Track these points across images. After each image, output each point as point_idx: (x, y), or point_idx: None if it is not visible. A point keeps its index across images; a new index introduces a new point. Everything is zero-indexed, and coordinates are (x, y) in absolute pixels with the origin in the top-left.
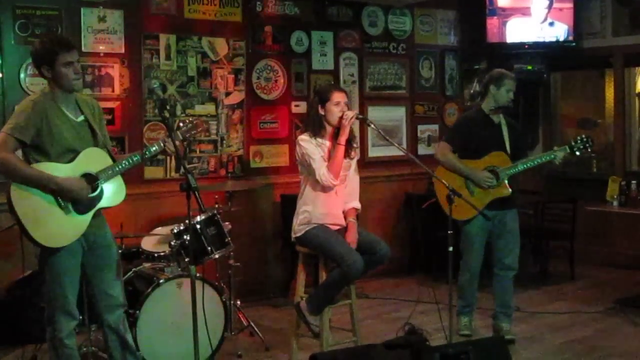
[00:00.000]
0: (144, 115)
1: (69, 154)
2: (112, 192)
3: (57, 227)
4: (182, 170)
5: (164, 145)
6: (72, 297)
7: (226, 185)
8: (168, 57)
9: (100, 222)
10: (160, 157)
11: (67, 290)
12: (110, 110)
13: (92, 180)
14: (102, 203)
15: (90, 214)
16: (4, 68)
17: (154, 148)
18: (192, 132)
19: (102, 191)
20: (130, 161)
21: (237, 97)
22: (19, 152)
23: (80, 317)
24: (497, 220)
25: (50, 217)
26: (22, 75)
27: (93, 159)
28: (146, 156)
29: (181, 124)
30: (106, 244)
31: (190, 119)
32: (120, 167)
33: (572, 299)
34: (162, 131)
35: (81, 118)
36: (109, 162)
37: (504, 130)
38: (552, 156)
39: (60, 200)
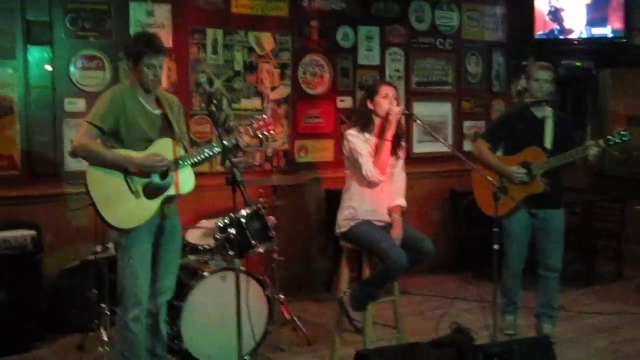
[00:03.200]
0: (191, 108)
1: (144, 143)
2: (181, 182)
3: (126, 210)
4: (228, 164)
5: (236, 142)
6: (143, 281)
7: (271, 179)
8: (215, 52)
9: (172, 210)
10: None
11: (137, 274)
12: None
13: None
14: (171, 191)
15: (159, 200)
16: (54, 62)
17: (216, 148)
18: (264, 130)
19: (172, 179)
20: (197, 157)
21: (282, 91)
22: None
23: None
24: (540, 219)
25: (121, 200)
26: (72, 69)
27: (166, 148)
28: (212, 152)
29: (253, 122)
30: (173, 232)
31: (263, 117)
32: (192, 160)
33: (619, 300)
34: (208, 125)
35: (159, 112)
36: (182, 153)
37: (547, 126)
38: (586, 152)
39: (131, 184)
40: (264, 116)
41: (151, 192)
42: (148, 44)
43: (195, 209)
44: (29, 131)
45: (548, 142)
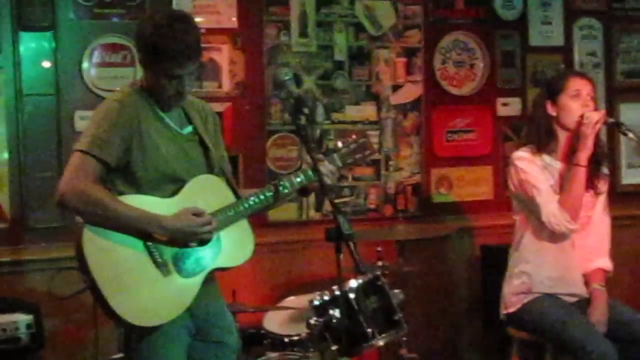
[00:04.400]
0: (268, 123)
1: (170, 185)
2: (233, 245)
3: (150, 295)
4: (326, 207)
5: (314, 176)
6: None
7: (396, 231)
8: (304, 33)
9: (213, 290)
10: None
11: None
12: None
13: None
14: (220, 261)
15: (201, 276)
16: (57, 53)
17: (298, 179)
18: (358, 156)
19: (219, 243)
20: (261, 199)
21: (410, 92)
22: None
23: None
24: None
25: (141, 281)
26: (84, 66)
27: (206, 192)
28: (283, 193)
29: (340, 144)
30: (224, 328)
31: (356, 136)
32: (245, 206)
33: None
34: (295, 147)
35: (188, 129)
36: (230, 197)
37: None
38: None
39: (156, 255)
40: (355, 136)
41: (188, 266)
42: (168, 44)
43: (277, 279)
44: (21, 162)
45: None
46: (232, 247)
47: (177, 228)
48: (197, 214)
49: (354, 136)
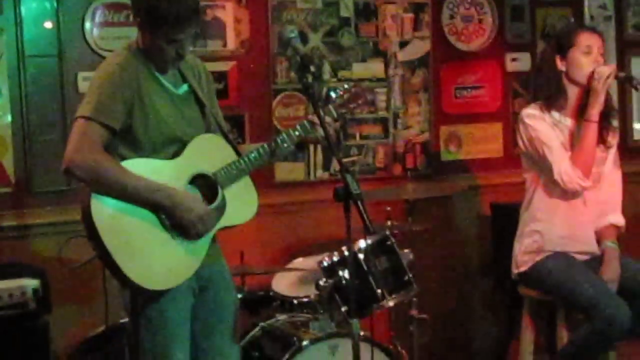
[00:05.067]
0: (274, 82)
1: (171, 146)
2: (237, 203)
3: (161, 259)
4: (334, 167)
5: (310, 128)
6: None
7: (405, 190)
8: None
9: (215, 251)
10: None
11: (174, 353)
12: (221, 76)
13: (207, 184)
14: (225, 220)
15: (208, 238)
16: (61, 15)
17: (296, 132)
18: (351, 106)
19: (224, 201)
20: (261, 153)
21: (418, 48)
22: None
23: None
24: None
25: (151, 246)
26: (87, 26)
27: (207, 151)
28: (283, 147)
29: (332, 94)
30: (223, 286)
31: (347, 86)
32: (246, 162)
33: None
34: (302, 106)
35: (184, 88)
36: (231, 154)
37: None
38: None
39: (165, 219)
40: (346, 85)
41: (190, 234)
42: (169, 8)
43: (284, 240)
44: (24, 125)
45: None
46: (236, 204)
47: (185, 204)
48: (203, 210)
49: (345, 86)
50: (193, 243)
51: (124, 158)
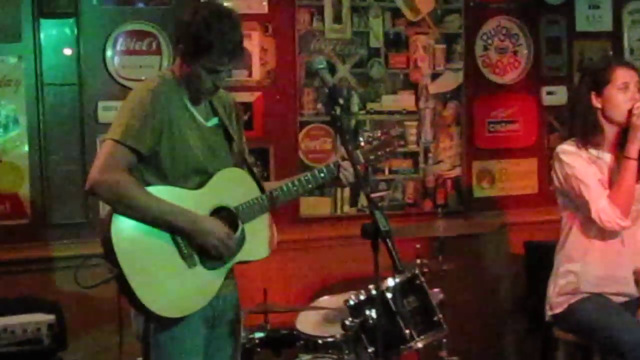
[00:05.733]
0: (300, 113)
1: (196, 177)
2: (256, 238)
3: (177, 286)
4: (362, 202)
5: (337, 170)
6: None
7: (435, 227)
8: (337, 19)
9: (232, 283)
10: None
11: None
12: (246, 107)
13: (228, 217)
14: (243, 254)
15: (225, 269)
16: (81, 43)
17: (321, 174)
18: (380, 153)
19: (243, 236)
20: (284, 192)
21: (450, 81)
22: None
23: None
24: None
25: (168, 273)
26: (108, 54)
27: (231, 185)
28: (306, 187)
29: (361, 140)
30: (233, 317)
31: (379, 132)
32: (268, 200)
33: None
34: (329, 139)
35: (214, 121)
36: (254, 190)
37: None
38: None
39: (183, 246)
40: (378, 132)
41: (212, 257)
42: (216, 40)
43: (309, 278)
44: (42, 155)
45: None
46: (254, 241)
47: (207, 229)
48: (226, 233)
49: (378, 132)
50: (209, 273)
51: (148, 185)
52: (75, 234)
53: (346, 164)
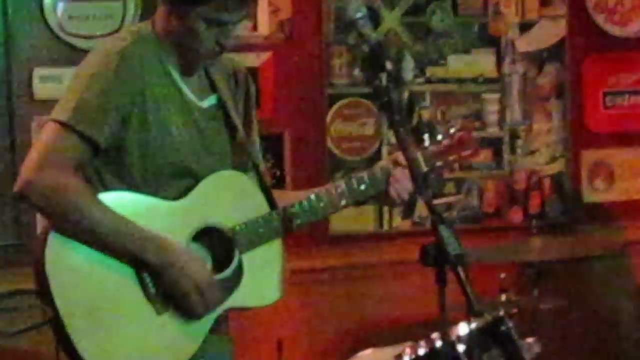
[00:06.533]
0: (329, 83)
1: (177, 181)
2: (260, 275)
3: (135, 338)
4: (420, 213)
5: (387, 183)
6: None
7: (528, 248)
8: None
9: (221, 338)
10: None
11: None
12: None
13: (218, 243)
14: (237, 298)
15: (209, 320)
16: None
17: (362, 187)
18: (452, 158)
19: (240, 271)
20: (308, 209)
21: (548, 33)
22: None
23: None
24: None
25: (124, 317)
26: None
27: (227, 196)
28: (341, 202)
29: (425, 138)
30: None
31: (451, 123)
32: (281, 219)
33: None
34: (372, 120)
35: (211, 101)
36: (261, 203)
37: None
38: None
39: (149, 282)
40: (452, 122)
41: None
42: None
43: (340, 323)
44: None
45: None
46: (257, 278)
47: (180, 268)
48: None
49: (452, 128)
50: (185, 324)
51: (106, 188)
52: (3, 261)
53: (400, 174)
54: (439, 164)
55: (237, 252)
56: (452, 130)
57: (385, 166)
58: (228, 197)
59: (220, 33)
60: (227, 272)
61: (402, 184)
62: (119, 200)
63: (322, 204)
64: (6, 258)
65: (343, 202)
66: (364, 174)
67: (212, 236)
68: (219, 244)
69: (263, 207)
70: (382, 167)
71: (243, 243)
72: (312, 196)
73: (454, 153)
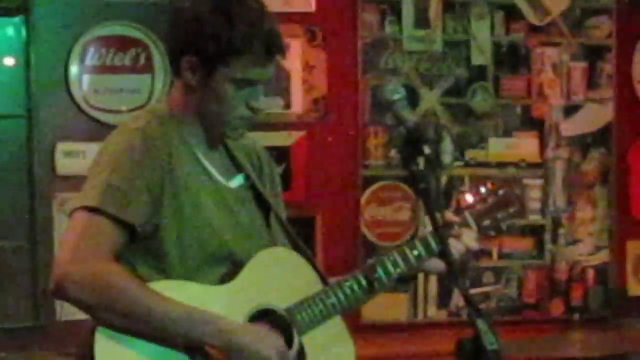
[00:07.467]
0: (364, 164)
1: (218, 265)
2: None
3: None
4: (456, 303)
5: (437, 248)
6: None
7: (570, 342)
8: (422, 22)
9: None
10: None
11: None
12: (280, 154)
13: (277, 326)
14: None
15: None
16: (31, 48)
17: (415, 252)
18: (500, 216)
19: (302, 355)
20: (361, 283)
21: (594, 117)
22: None
23: None
24: None
25: None
26: (73, 70)
27: (276, 275)
28: (388, 277)
29: (470, 198)
30: None
31: (492, 186)
32: (337, 295)
33: None
34: (408, 205)
35: (239, 180)
36: (315, 281)
37: None
38: None
39: None
40: (494, 184)
41: None
42: (246, 23)
43: None
44: None
45: None
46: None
47: (250, 348)
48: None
49: (488, 185)
50: None
51: (146, 278)
52: (21, 344)
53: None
54: (486, 222)
55: (294, 334)
56: (491, 187)
57: (432, 231)
58: (277, 276)
59: (250, 95)
60: (291, 354)
61: (458, 245)
62: (165, 288)
63: (398, 270)
64: (26, 340)
65: (397, 272)
66: (416, 241)
67: (266, 319)
68: (276, 326)
69: (316, 284)
70: (431, 234)
71: (300, 324)
72: (368, 267)
73: (501, 209)
